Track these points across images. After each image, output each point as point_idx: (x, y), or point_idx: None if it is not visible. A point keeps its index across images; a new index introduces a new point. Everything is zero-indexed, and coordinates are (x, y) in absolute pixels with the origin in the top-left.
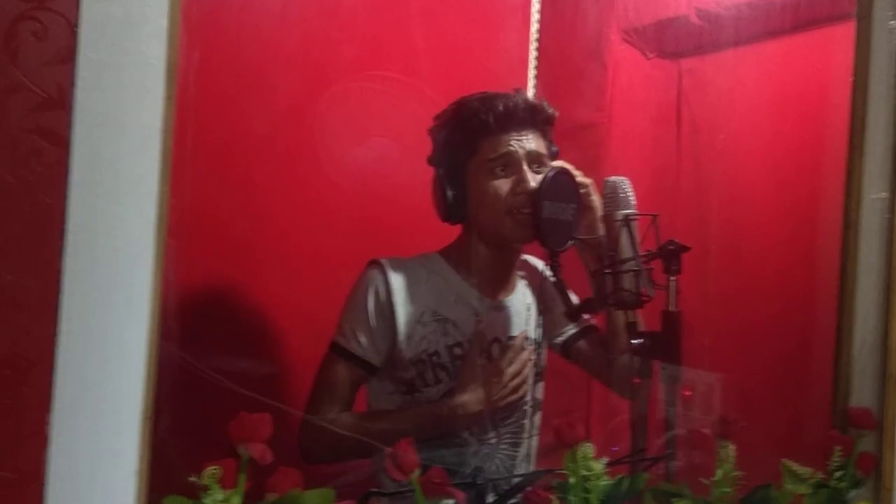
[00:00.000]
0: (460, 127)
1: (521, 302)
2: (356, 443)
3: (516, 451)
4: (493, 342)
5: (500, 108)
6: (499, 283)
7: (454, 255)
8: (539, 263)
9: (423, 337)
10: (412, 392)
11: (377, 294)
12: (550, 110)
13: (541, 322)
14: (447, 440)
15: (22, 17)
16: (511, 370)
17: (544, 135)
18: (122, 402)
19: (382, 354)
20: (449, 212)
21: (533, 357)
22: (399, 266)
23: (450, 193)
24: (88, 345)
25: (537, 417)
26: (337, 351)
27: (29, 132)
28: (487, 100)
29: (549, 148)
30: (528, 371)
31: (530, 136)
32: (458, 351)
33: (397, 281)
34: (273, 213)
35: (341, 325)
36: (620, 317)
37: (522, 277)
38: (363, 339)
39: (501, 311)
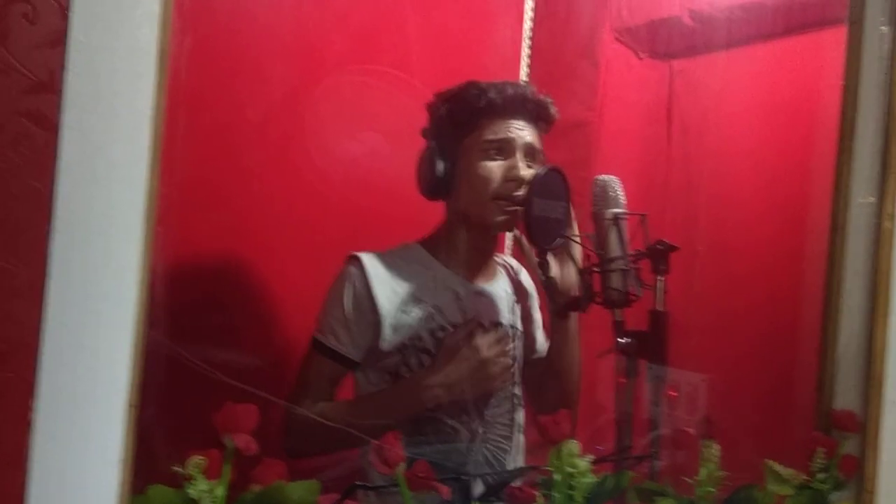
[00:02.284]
0: (466, 102)
1: (502, 289)
2: (338, 433)
3: (506, 446)
4: (476, 326)
5: (510, 92)
6: (479, 268)
7: (434, 242)
8: (513, 262)
9: (406, 325)
10: (396, 380)
11: (355, 288)
12: (554, 111)
13: (519, 311)
14: (435, 427)
15: (13, 0)
16: (491, 352)
17: (540, 134)
18: (108, 390)
19: (362, 349)
20: (433, 187)
21: (514, 344)
22: (377, 259)
23: (439, 166)
24: (74, 331)
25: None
26: (316, 347)
27: (18, 115)
28: (497, 82)
29: (540, 144)
30: (511, 357)
31: (529, 129)
32: (441, 335)
33: (376, 273)
34: (264, 201)
35: (320, 321)
36: (570, 328)
37: (502, 267)
38: (342, 335)
39: (483, 295)
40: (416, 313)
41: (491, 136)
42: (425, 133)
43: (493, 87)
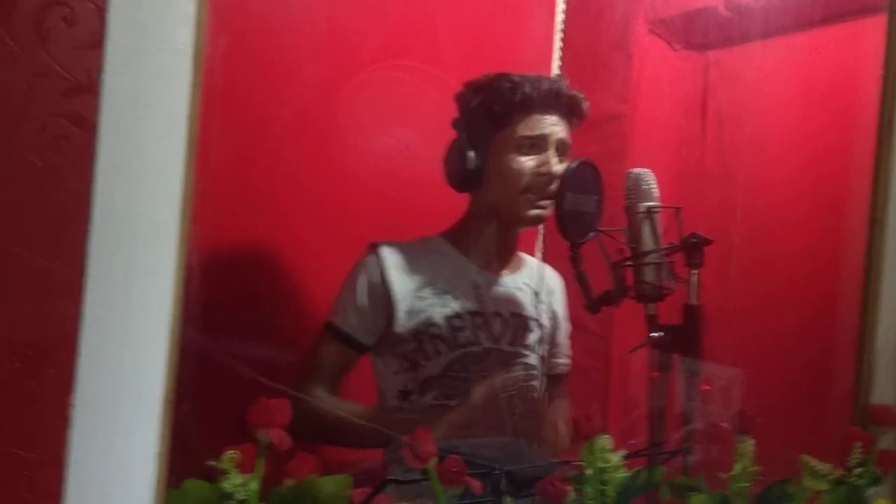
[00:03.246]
0: (501, 96)
1: (523, 282)
2: (338, 429)
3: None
4: (494, 315)
5: (545, 87)
6: (500, 260)
7: (455, 233)
8: (536, 260)
9: (421, 310)
10: (414, 367)
11: (370, 274)
12: (586, 106)
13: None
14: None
15: (52, 3)
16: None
17: (571, 129)
18: (144, 386)
19: (374, 334)
20: (463, 178)
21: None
22: (395, 247)
23: (470, 159)
24: (112, 328)
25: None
26: (327, 329)
27: (58, 117)
28: (532, 77)
29: (570, 143)
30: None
31: (563, 126)
32: (457, 322)
33: (392, 260)
34: (299, 198)
35: (334, 304)
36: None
37: (525, 262)
38: (353, 318)
39: (502, 286)
40: (431, 299)
41: (527, 133)
42: (455, 124)
43: (527, 81)
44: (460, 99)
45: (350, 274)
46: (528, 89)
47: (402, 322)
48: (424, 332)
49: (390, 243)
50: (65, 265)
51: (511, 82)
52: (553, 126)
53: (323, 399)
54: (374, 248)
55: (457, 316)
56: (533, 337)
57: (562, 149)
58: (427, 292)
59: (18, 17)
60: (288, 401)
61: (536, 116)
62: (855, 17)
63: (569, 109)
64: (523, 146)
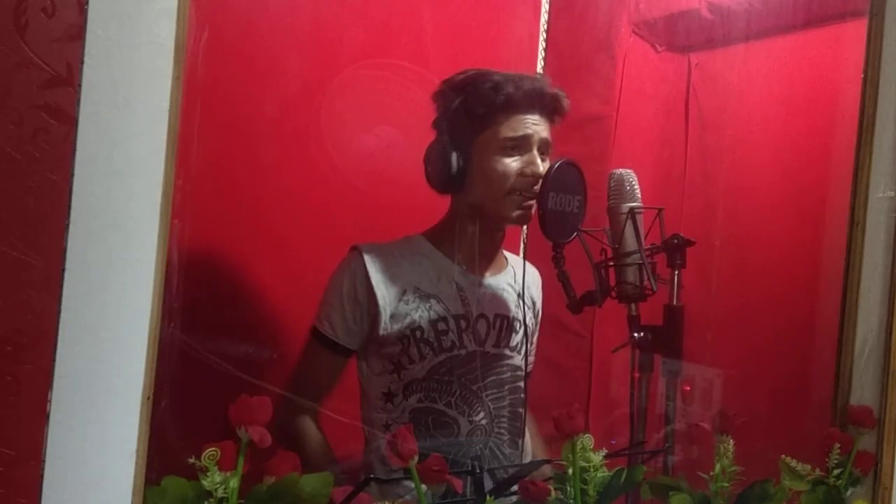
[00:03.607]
0: (482, 97)
1: (506, 283)
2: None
3: (514, 439)
4: (478, 318)
5: (528, 87)
6: (484, 260)
7: (437, 234)
8: (519, 260)
9: (406, 314)
10: (399, 370)
11: (354, 278)
12: (567, 103)
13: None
14: (437, 420)
15: None
16: None
17: (552, 127)
18: (123, 382)
19: (359, 337)
20: (445, 181)
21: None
22: (377, 249)
23: (453, 161)
24: (90, 323)
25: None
26: (314, 335)
27: (37, 109)
28: (513, 76)
29: (551, 141)
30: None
31: (544, 123)
32: (441, 326)
33: (375, 263)
34: (280, 195)
35: (319, 309)
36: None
37: (509, 262)
38: (338, 323)
39: (486, 287)
40: (415, 303)
41: (511, 134)
42: (436, 124)
43: (509, 80)
44: (440, 98)
45: (333, 278)
46: (510, 89)
47: (386, 326)
48: (409, 337)
49: (372, 246)
50: (43, 259)
51: (492, 82)
52: (535, 126)
53: (306, 429)
54: (356, 250)
55: (441, 319)
56: (517, 338)
57: (544, 148)
58: (411, 296)
59: None
60: (269, 399)
61: (519, 116)
62: (836, 21)
63: (551, 108)
64: (507, 147)
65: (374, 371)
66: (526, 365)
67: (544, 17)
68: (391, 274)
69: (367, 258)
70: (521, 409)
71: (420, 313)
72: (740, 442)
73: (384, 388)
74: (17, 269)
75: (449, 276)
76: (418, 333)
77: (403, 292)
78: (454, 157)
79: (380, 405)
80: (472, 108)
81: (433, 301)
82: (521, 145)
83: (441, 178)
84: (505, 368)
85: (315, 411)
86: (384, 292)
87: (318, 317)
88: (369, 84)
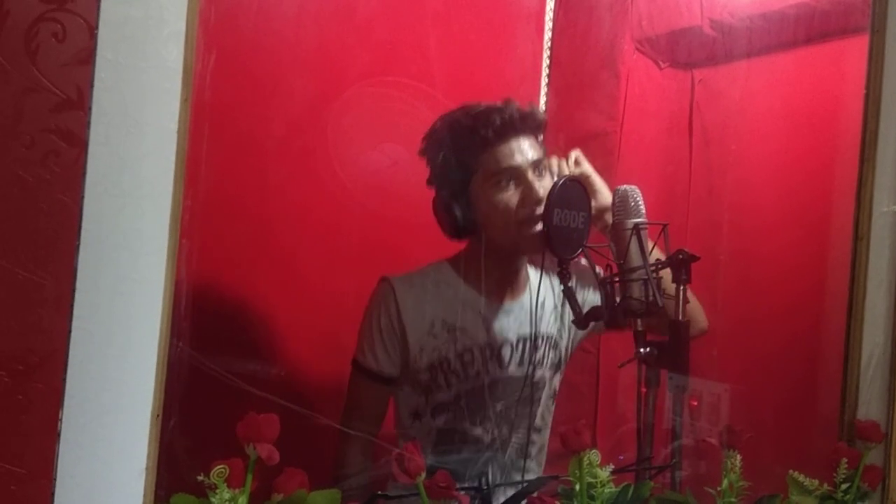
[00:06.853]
0: (459, 146)
1: (528, 301)
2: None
3: (528, 450)
4: (502, 345)
5: (497, 121)
6: (505, 287)
7: (462, 264)
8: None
9: (434, 347)
10: (427, 394)
11: (388, 312)
12: (542, 115)
13: (559, 317)
14: (461, 436)
15: (42, 18)
16: None
17: (538, 139)
18: (133, 400)
19: (398, 367)
20: (457, 230)
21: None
22: (407, 282)
23: (457, 213)
24: (101, 342)
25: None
26: (356, 367)
27: (47, 132)
28: (481, 115)
29: (542, 150)
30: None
31: (527, 144)
32: (467, 357)
33: (406, 298)
34: (287, 213)
35: (359, 342)
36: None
37: (531, 279)
38: (379, 355)
39: (509, 314)
40: (443, 336)
41: (496, 169)
42: (430, 182)
43: (477, 121)
44: (426, 156)
45: (368, 310)
46: (482, 130)
47: (416, 357)
48: (437, 367)
49: (402, 279)
50: (54, 279)
51: (464, 127)
52: (520, 152)
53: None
54: (387, 283)
55: (467, 351)
56: (538, 354)
57: (538, 167)
58: (438, 329)
59: (8, 33)
60: (276, 416)
61: (500, 149)
62: (838, 37)
63: (529, 127)
64: (500, 182)
65: (405, 391)
66: (561, 366)
67: (548, 35)
68: (420, 308)
69: (399, 293)
70: (534, 421)
71: (447, 346)
72: (748, 457)
73: (412, 408)
74: (28, 289)
75: (474, 306)
76: (446, 365)
77: (431, 325)
78: (456, 209)
79: (408, 423)
80: (456, 158)
81: (459, 333)
82: (513, 176)
83: (453, 230)
84: (538, 385)
85: (369, 442)
86: (413, 328)
87: (360, 350)
88: (374, 102)
